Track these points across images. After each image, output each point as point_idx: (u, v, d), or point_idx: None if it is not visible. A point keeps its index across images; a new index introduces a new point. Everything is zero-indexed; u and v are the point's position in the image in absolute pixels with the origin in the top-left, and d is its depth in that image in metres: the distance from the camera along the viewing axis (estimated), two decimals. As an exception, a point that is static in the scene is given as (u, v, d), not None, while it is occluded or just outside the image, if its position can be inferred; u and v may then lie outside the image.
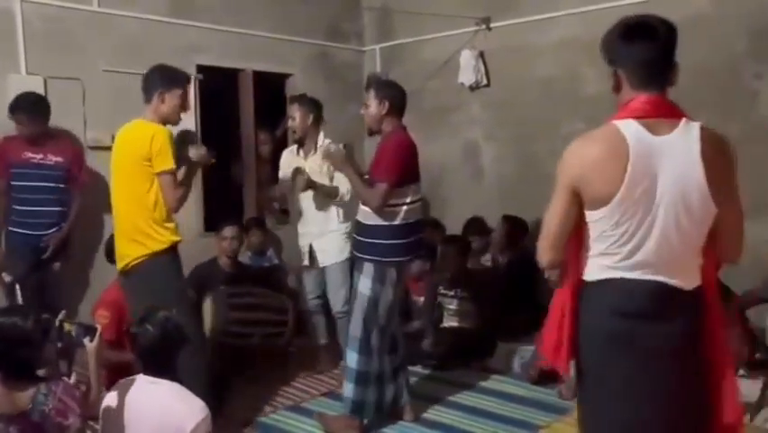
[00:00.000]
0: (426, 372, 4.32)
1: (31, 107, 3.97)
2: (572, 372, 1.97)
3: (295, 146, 4.29)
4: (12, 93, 4.10)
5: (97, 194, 4.53)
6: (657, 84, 1.80)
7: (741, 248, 1.97)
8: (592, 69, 4.83)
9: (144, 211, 3.02)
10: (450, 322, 4.63)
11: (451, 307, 4.63)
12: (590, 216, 1.79)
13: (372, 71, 6.01)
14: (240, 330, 4.10)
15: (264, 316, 4.30)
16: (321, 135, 4.13)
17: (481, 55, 5.40)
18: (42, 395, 2.14)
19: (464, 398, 3.88)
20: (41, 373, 2.24)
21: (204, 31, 5.10)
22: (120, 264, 3.16)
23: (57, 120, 4.33)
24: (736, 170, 1.84)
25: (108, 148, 4.52)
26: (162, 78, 3.13)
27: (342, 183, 3.87)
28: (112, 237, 3.72)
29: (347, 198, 3.94)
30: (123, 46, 4.68)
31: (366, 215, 3.28)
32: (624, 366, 1.81)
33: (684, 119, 1.79)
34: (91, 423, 3.12)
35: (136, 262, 3.06)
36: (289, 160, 4.26)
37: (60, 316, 2.40)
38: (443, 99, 5.71)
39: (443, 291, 4.65)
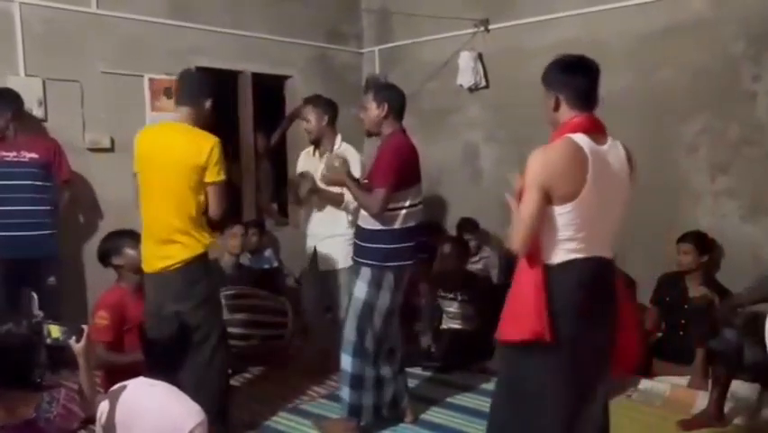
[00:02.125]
0: (426, 373, 4.32)
1: None
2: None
3: (311, 148, 4.17)
4: (11, 95, 4.10)
5: (98, 194, 4.57)
6: (590, 106, 2.29)
7: None
8: (591, 71, 4.84)
9: (191, 215, 3.05)
10: (450, 324, 4.62)
11: (450, 309, 4.63)
12: (558, 210, 2.18)
13: (371, 73, 6.02)
14: (240, 331, 4.10)
15: (264, 317, 4.30)
16: (338, 137, 4.01)
17: (480, 57, 5.41)
18: (47, 403, 2.13)
19: (464, 399, 3.88)
20: (36, 378, 2.20)
21: (202, 32, 5.10)
22: (158, 265, 3.11)
23: (55, 122, 4.35)
24: None
25: (106, 149, 4.59)
26: (210, 86, 3.19)
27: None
28: (106, 238, 3.69)
29: (352, 206, 3.87)
30: (122, 48, 4.68)
31: (366, 219, 3.28)
32: (588, 332, 2.24)
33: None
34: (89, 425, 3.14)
35: (180, 264, 3.06)
36: (305, 162, 4.18)
37: (37, 316, 2.37)
38: (441, 101, 5.71)
39: (442, 294, 4.65)
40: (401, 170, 3.18)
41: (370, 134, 3.40)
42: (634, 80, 4.67)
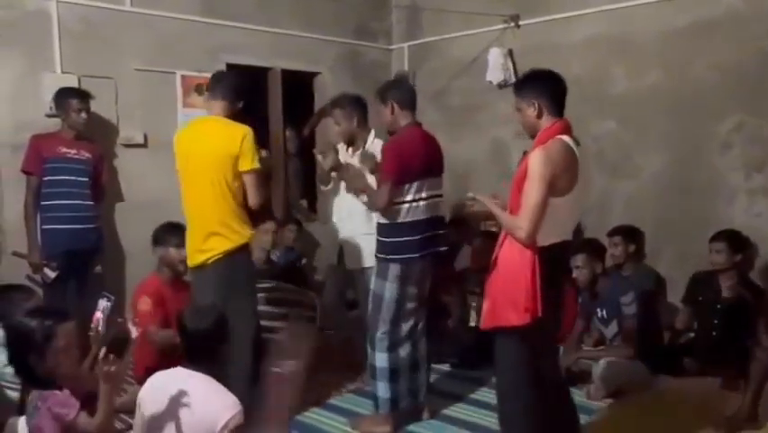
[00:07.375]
0: (450, 369, 4.32)
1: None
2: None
3: (344, 145, 4.06)
4: (47, 91, 4.20)
5: (128, 190, 4.65)
6: (563, 112, 2.61)
7: None
8: (621, 68, 4.78)
9: (231, 206, 3.12)
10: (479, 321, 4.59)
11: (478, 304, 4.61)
12: (557, 201, 2.48)
13: (400, 69, 6.02)
14: (268, 324, 4.13)
15: (292, 311, 4.33)
16: (372, 133, 3.92)
17: (510, 53, 5.37)
18: (33, 407, 2.14)
19: (488, 395, 3.85)
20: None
21: (234, 30, 5.15)
22: (200, 258, 3.16)
23: (90, 118, 4.42)
24: None
25: (139, 145, 4.67)
26: (244, 88, 3.27)
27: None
28: (163, 226, 3.74)
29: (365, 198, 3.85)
30: (155, 45, 4.76)
31: (378, 214, 3.37)
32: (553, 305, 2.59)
33: None
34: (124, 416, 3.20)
35: (221, 255, 3.11)
36: (342, 156, 4.07)
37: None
38: (470, 98, 5.69)
39: (471, 289, 4.63)
40: (401, 164, 3.20)
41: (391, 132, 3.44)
42: (665, 77, 4.60)
